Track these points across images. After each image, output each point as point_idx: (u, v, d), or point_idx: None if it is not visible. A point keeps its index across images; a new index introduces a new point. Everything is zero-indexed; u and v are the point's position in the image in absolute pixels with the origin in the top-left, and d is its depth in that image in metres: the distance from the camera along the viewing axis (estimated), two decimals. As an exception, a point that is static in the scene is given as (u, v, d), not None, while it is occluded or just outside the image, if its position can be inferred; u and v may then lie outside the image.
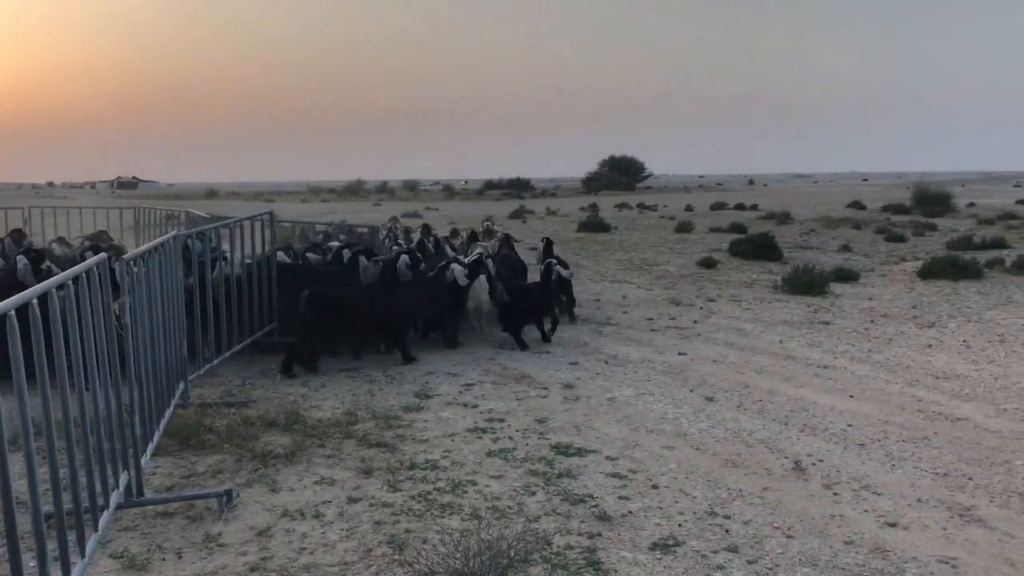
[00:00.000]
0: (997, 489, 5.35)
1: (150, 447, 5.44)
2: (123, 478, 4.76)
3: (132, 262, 5.21)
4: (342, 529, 4.77)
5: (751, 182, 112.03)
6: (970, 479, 5.52)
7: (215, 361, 8.10)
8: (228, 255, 9.22)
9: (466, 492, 5.30)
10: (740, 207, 40.46)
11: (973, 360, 8.89)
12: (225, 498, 5.06)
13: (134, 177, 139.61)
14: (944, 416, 6.91)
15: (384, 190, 77.95)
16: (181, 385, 7.10)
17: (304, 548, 4.53)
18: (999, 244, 19.12)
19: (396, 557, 4.36)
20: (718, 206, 41.75)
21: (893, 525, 4.82)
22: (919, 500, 5.18)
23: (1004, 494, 5.27)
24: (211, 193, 75.22)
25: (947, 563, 4.35)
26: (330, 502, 5.15)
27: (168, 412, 6.24)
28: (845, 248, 20.05)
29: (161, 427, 5.88)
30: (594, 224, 27.45)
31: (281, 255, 10.46)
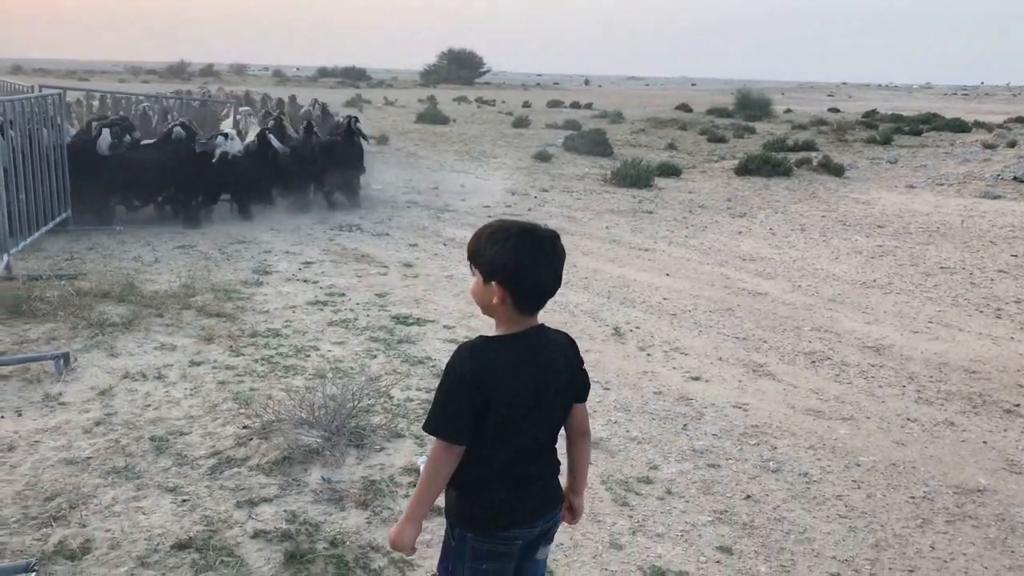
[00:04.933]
0: (787, 350, 6.09)
1: (-23, 313, 5.31)
2: (-48, 341, 4.67)
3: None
4: (186, 388, 4.89)
5: (587, 82, 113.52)
6: (765, 342, 6.24)
7: (36, 234, 7.84)
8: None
9: (309, 356, 5.52)
10: (575, 105, 41.21)
11: (776, 245, 9.78)
12: (62, 361, 5.05)
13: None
14: (747, 291, 7.66)
15: (209, 73, 73.77)
16: (4, 257, 6.85)
17: (148, 405, 4.63)
18: (810, 147, 20.59)
19: (242, 411, 4.55)
20: (554, 104, 42.36)
21: (697, 379, 5.44)
22: (720, 359, 5.84)
23: (792, 354, 6.01)
24: (16, 69, 68.88)
25: (740, 408, 4.99)
26: (172, 365, 5.24)
27: (-7, 282, 6.06)
28: (671, 146, 21.00)
29: (-13, 295, 5.73)
30: (433, 116, 27.35)
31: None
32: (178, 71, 70.87)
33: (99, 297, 6.43)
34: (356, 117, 12.02)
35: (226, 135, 10.06)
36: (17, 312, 5.97)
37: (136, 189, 9.77)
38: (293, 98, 18.80)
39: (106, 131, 9.35)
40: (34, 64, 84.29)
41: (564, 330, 2.23)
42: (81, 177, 9.11)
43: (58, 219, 8.66)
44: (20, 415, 4.44)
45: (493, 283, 2.05)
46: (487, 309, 2.11)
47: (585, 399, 2.25)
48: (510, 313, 2.08)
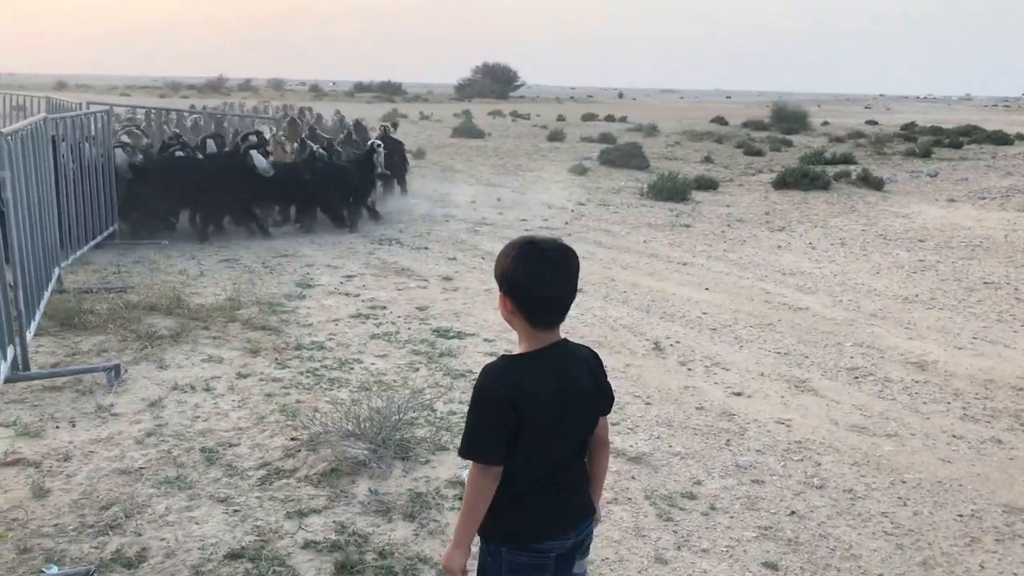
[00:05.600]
0: (829, 365, 6.05)
1: (33, 324, 5.44)
2: (8, 352, 4.80)
3: (11, 137, 5.13)
4: (234, 400, 4.98)
5: (620, 95, 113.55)
6: (806, 357, 6.22)
7: (87, 246, 8.03)
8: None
9: (353, 369, 5.59)
10: (610, 119, 41.21)
11: (816, 260, 9.73)
12: (113, 372, 5.16)
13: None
14: (788, 306, 7.63)
15: (247, 88, 74.92)
16: (56, 271, 7.00)
17: (198, 416, 4.73)
18: (848, 160, 20.40)
19: (289, 423, 4.63)
20: (589, 117, 42.38)
21: (739, 394, 5.43)
22: (762, 374, 5.82)
23: (834, 369, 5.98)
24: (60, 85, 70.42)
25: (783, 423, 4.97)
26: (219, 377, 5.34)
27: (46, 295, 6.20)
28: (707, 160, 20.94)
29: (41, 307, 5.86)
30: (468, 130, 27.51)
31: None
32: (217, 86, 72.07)
33: (147, 310, 6.57)
34: (388, 125, 12.82)
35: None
36: (69, 324, 6.12)
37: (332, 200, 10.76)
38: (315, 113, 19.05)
39: (256, 152, 9.87)
40: (77, 80, 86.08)
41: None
42: (243, 192, 9.89)
43: (106, 233, 8.85)
44: (74, 426, 4.55)
45: (504, 294, 2.12)
46: (509, 323, 2.17)
47: (608, 412, 2.29)
48: (527, 327, 2.13)
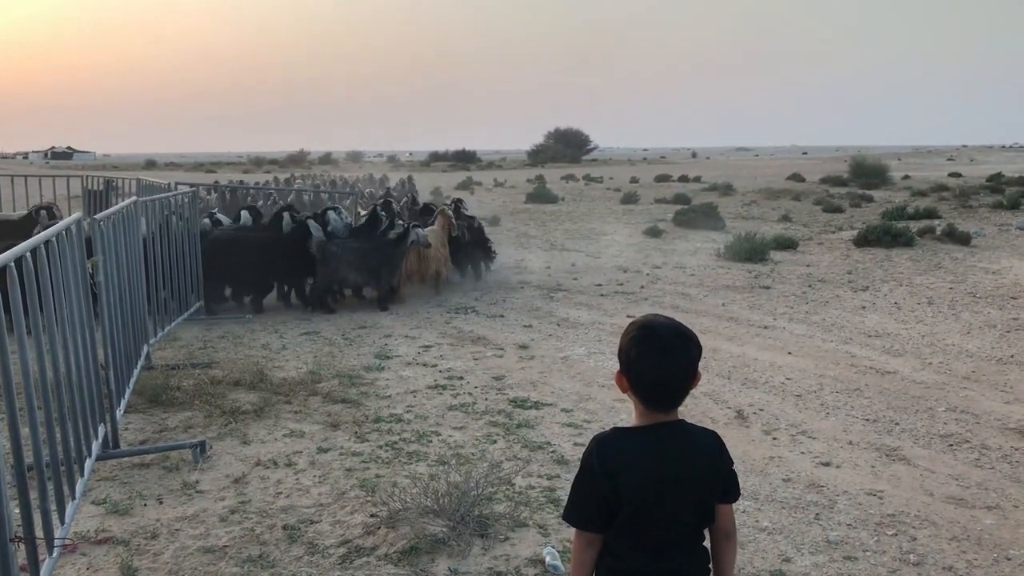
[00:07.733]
0: (920, 432, 5.82)
1: (123, 402, 5.61)
2: (100, 430, 4.94)
3: (103, 222, 5.36)
4: (315, 476, 5.02)
5: (694, 155, 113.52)
6: (897, 424, 5.99)
7: (174, 323, 8.28)
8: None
9: (431, 442, 5.59)
10: (684, 179, 41.13)
11: (903, 320, 9.43)
12: (199, 449, 5.27)
13: (68, 147, 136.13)
14: (875, 370, 7.39)
15: (328, 161, 77.28)
16: (144, 348, 7.23)
17: (280, 493, 4.77)
18: (932, 214, 19.83)
19: (369, 499, 4.63)
20: (662, 178, 42.38)
21: (827, 464, 5.25)
22: (850, 443, 5.62)
23: (927, 436, 5.74)
24: (150, 164, 73.83)
25: (874, 495, 4.78)
26: (301, 452, 5.40)
27: (136, 372, 6.39)
28: (785, 218, 20.64)
29: (131, 385, 6.05)
30: (542, 195, 27.76)
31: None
32: (298, 160, 74.54)
33: (231, 385, 6.72)
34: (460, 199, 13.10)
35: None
36: (157, 401, 6.29)
37: None
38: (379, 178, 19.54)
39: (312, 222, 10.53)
40: (165, 159, 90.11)
41: (684, 414, 2.21)
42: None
43: (192, 308, 9.13)
44: (161, 503, 4.64)
45: (620, 372, 2.16)
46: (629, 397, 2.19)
47: (731, 501, 2.21)
48: (639, 404, 2.14)
